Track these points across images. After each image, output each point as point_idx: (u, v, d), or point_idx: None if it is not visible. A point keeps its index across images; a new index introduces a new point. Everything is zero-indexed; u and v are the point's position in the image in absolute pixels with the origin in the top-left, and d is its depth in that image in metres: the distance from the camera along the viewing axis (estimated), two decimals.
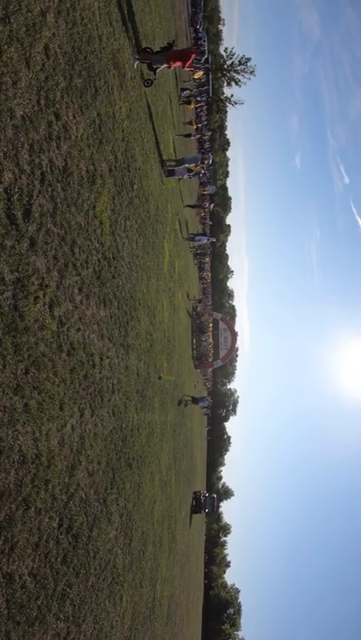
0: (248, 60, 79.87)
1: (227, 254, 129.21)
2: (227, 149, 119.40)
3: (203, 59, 40.72)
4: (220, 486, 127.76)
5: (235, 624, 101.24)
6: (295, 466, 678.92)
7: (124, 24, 9.23)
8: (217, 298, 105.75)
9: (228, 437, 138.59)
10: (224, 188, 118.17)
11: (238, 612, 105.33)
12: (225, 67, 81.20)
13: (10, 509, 4.18)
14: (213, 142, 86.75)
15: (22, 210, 4.45)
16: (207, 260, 62.31)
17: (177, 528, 18.47)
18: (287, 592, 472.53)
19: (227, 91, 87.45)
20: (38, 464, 4.74)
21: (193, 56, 11.93)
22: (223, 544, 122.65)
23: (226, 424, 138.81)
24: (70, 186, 5.79)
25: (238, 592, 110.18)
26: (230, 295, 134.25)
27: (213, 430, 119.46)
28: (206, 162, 41.00)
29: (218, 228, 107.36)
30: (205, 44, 49.66)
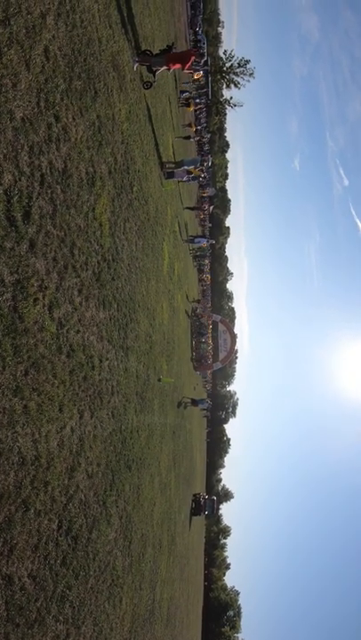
0: (247, 62, 79.97)
1: (226, 256, 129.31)
2: (226, 151, 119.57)
3: (202, 61, 40.83)
4: (219, 488, 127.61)
5: (235, 626, 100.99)
6: (295, 466, 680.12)
7: (123, 26, 9.26)
8: (216, 300, 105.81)
9: (228, 439, 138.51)
10: (223, 191, 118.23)
11: (238, 614, 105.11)
12: (224, 69, 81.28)
13: (9, 511, 4.18)
14: (213, 144, 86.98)
15: (22, 212, 4.46)
16: (207, 262, 62.39)
17: (176, 530, 18.44)
18: (287, 592, 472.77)
19: (226, 93, 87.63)
20: (38, 466, 4.73)
21: (192, 58, 11.95)
22: (223, 546, 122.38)
23: (225, 426, 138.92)
24: (70, 188, 5.80)
25: (238, 594, 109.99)
26: (230, 297, 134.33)
27: (213, 432, 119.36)
28: (206, 164, 41.11)
29: (217, 230, 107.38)
30: (205, 46, 49.82)
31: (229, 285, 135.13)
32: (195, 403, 30.45)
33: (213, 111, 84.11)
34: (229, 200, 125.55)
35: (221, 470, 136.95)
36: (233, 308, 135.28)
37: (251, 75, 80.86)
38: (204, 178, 46.62)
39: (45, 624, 4.82)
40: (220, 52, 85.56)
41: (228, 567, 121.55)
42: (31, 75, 4.71)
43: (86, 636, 6.15)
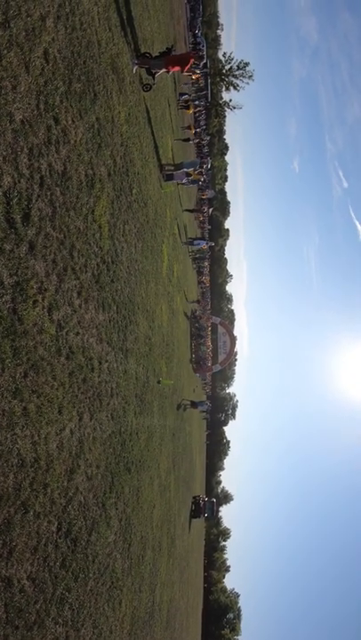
0: (246, 64, 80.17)
1: (225, 258, 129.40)
2: (225, 154, 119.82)
3: (201, 63, 40.88)
4: (219, 491, 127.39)
5: (235, 628, 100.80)
6: (295, 466, 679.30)
7: (123, 29, 9.29)
8: (216, 302, 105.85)
9: (228, 442, 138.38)
10: (223, 193, 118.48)
11: (238, 616, 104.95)
12: (223, 71, 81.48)
13: (8, 513, 4.17)
14: (212, 147, 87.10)
15: (21, 214, 4.47)
16: (206, 264, 62.41)
17: (176, 532, 18.41)
18: (287, 593, 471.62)
19: (225, 95, 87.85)
20: (37, 468, 4.73)
21: (192, 61, 12.00)
22: (223, 548, 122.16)
23: (225, 428, 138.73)
24: (69, 190, 5.81)
25: (238, 596, 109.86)
26: (229, 299, 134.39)
27: (213, 434, 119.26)
28: (205, 166, 41.16)
29: (216, 232, 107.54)
30: (204, 48, 49.84)
31: (229, 287, 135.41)
32: (194, 405, 30.47)
33: (213, 113, 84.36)
34: (229, 202, 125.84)
35: (221, 472, 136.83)
36: (232, 311, 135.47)
37: (250, 77, 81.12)
38: (204, 181, 46.71)
39: (45, 626, 4.81)
40: (220, 55, 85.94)
41: (227, 570, 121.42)
42: (31, 77, 4.72)
43: (86, 639, 6.14)
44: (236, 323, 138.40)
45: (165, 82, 18.95)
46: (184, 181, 19.03)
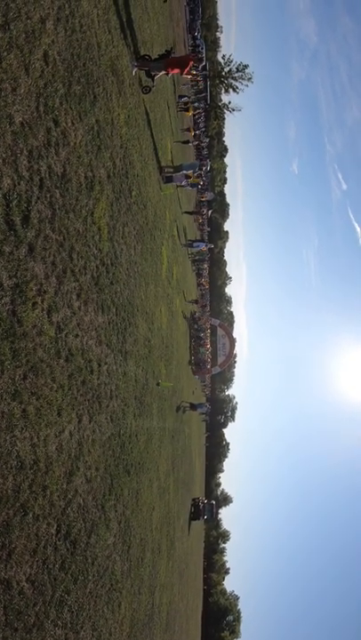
0: (246, 66, 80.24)
1: (225, 260, 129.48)
2: (225, 156, 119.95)
3: (201, 66, 40.97)
4: (218, 493, 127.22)
5: (234, 631, 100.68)
6: (295, 466, 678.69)
7: (122, 31, 9.31)
8: (215, 304, 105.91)
9: (227, 444, 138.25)
10: (222, 195, 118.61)
11: (238, 618, 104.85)
12: (223, 74, 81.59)
13: (7, 515, 4.17)
14: (211, 149, 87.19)
15: (21, 216, 4.47)
16: (205, 266, 62.44)
17: (176, 535, 18.37)
18: (287, 593, 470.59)
19: (225, 98, 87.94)
20: (36, 470, 4.72)
21: (191, 63, 12.06)
22: (222, 551, 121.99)
23: (224, 430, 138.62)
24: (69, 192, 5.82)
25: (238, 599, 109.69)
26: (228, 301, 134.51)
27: (212, 437, 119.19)
28: (204, 168, 41.19)
29: (216, 235, 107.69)
30: (203, 51, 50.02)
31: (228, 289, 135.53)
32: (193, 407, 30.49)
33: (212, 116, 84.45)
34: (228, 204, 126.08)
35: (220, 475, 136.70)
36: (232, 313, 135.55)
37: (249, 79, 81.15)
38: (203, 184, 46.77)
39: (44, 629, 4.80)
40: (219, 57, 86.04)
41: (227, 572, 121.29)
42: (30, 79, 4.73)
43: None
44: (235, 325, 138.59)
45: (165, 84, 19.00)
46: (183, 183, 19.05)
